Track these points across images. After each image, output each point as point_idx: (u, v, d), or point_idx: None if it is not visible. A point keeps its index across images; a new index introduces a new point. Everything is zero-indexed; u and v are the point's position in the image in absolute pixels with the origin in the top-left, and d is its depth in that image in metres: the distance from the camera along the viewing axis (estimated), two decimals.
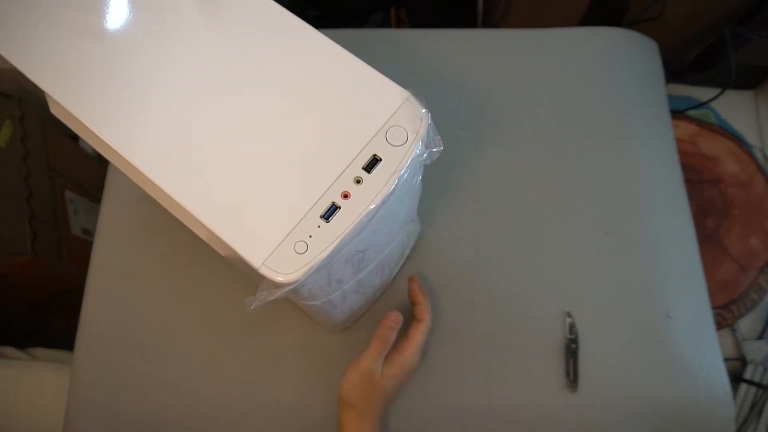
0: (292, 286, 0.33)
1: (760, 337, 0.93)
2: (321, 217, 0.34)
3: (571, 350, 0.58)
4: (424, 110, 0.37)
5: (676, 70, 1.00)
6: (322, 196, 0.34)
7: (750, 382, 0.90)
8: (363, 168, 0.35)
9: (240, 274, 0.62)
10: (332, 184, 0.35)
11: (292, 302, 0.58)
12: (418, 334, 0.51)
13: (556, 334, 0.60)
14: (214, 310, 0.61)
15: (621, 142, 0.69)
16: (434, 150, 0.37)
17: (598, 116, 0.70)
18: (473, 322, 0.60)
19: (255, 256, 0.33)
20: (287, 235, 0.33)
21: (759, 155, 1.03)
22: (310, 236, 0.33)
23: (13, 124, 0.90)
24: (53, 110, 0.40)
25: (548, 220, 0.64)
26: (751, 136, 1.05)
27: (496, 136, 0.68)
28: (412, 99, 0.37)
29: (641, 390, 0.58)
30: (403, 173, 0.35)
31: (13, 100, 0.93)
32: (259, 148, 0.36)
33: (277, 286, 0.33)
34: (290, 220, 0.34)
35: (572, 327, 0.59)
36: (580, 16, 0.87)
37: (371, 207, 0.34)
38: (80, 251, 0.96)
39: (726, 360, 0.77)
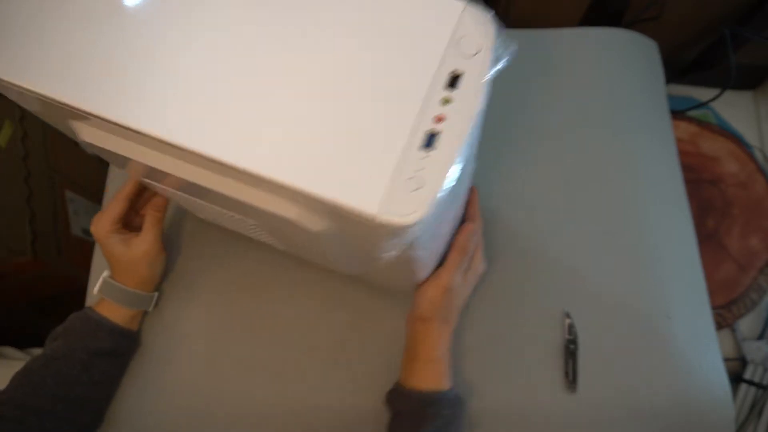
0: (418, 227, 0.30)
1: (760, 337, 0.93)
2: (421, 148, 0.31)
3: (570, 351, 0.58)
4: (487, 13, 0.34)
5: (676, 70, 1.00)
6: (412, 127, 0.31)
7: (750, 382, 0.90)
8: (446, 87, 0.32)
9: (243, 272, 0.62)
10: (418, 112, 0.32)
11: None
12: (479, 236, 0.54)
13: (555, 334, 0.60)
14: (216, 308, 0.61)
15: (621, 142, 0.69)
16: (507, 51, 0.35)
17: (598, 116, 0.70)
18: (472, 323, 0.60)
19: (368, 206, 0.30)
20: (392, 176, 0.30)
21: (759, 155, 1.03)
22: (419, 170, 0.30)
23: (13, 125, 0.90)
24: (86, 137, 0.37)
25: (547, 219, 0.64)
26: (750, 136, 1.05)
27: (494, 137, 0.68)
28: (471, 5, 0.34)
29: (641, 391, 0.58)
30: (489, 81, 0.33)
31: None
32: (326, 92, 0.33)
33: (397, 233, 0.31)
34: (387, 161, 0.31)
35: (571, 327, 0.59)
36: (580, 16, 0.87)
37: (474, 119, 0.32)
38: (80, 251, 0.96)
39: (726, 360, 0.77)
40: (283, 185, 0.31)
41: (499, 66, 0.34)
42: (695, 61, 0.98)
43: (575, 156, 0.68)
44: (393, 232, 0.31)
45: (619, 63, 0.74)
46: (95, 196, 1.06)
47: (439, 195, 0.30)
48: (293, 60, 0.33)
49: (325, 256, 0.48)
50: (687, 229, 0.66)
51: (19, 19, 0.35)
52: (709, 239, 0.96)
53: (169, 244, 0.61)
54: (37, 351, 0.89)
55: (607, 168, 0.67)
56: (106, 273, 0.55)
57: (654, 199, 0.66)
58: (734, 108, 1.06)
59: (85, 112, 0.33)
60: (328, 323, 0.60)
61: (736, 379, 0.91)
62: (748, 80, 1.06)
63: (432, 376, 0.50)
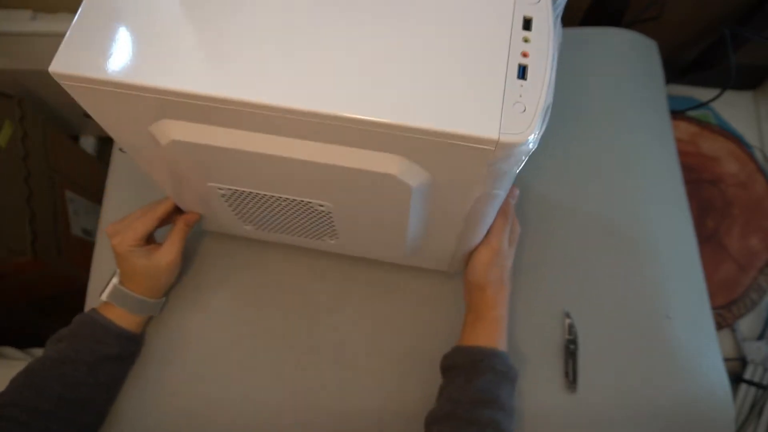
0: (531, 141, 0.35)
1: (760, 337, 0.93)
2: (518, 78, 0.36)
3: (570, 351, 0.58)
4: None
5: (676, 70, 1.01)
6: (506, 63, 0.36)
7: (750, 382, 0.90)
8: (523, 29, 0.38)
9: (244, 274, 0.62)
10: (508, 50, 0.37)
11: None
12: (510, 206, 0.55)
13: (555, 334, 0.60)
14: (217, 309, 0.61)
15: (621, 142, 0.69)
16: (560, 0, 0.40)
17: (598, 116, 0.70)
18: None
19: (489, 131, 0.34)
20: (502, 104, 0.35)
21: (759, 155, 1.03)
22: (521, 96, 0.36)
23: (13, 125, 0.90)
24: (178, 136, 0.39)
25: (547, 219, 0.64)
26: (750, 137, 1.05)
27: None
28: None
29: (641, 390, 0.58)
30: (557, 20, 0.39)
31: (13, 100, 0.93)
32: (424, 42, 0.37)
33: (513, 153, 0.36)
34: (495, 92, 0.35)
35: (571, 327, 0.59)
36: (580, 16, 0.87)
37: (551, 52, 0.37)
38: (80, 251, 0.96)
39: (726, 360, 0.77)
40: (407, 127, 0.35)
41: (559, 10, 0.40)
42: (695, 61, 0.99)
43: (575, 156, 0.68)
44: (510, 151, 0.35)
45: (619, 63, 0.74)
46: (95, 196, 1.06)
47: (540, 114, 0.36)
48: (391, 20, 0.38)
49: (385, 231, 0.51)
50: (687, 229, 0.66)
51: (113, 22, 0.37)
52: (709, 239, 0.96)
53: None
54: (37, 351, 0.89)
55: (607, 168, 0.67)
56: (115, 279, 0.54)
57: (654, 199, 0.67)
58: (734, 108, 1.06)
59: (209, 98, 0.35)
60: (328, 324, 0.60)
61: (736, 379, 0.91)
62: (748, 80, 1.06)
63: (489, 334, 0.52)
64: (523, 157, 0.38)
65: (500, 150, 0.35)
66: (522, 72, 0.36)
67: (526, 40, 0.37)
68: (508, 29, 0.38)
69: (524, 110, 0.35)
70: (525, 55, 0.37)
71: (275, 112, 0.35)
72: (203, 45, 0.36)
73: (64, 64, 0.35)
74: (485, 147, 0.35)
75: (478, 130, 0.34)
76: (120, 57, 0.35)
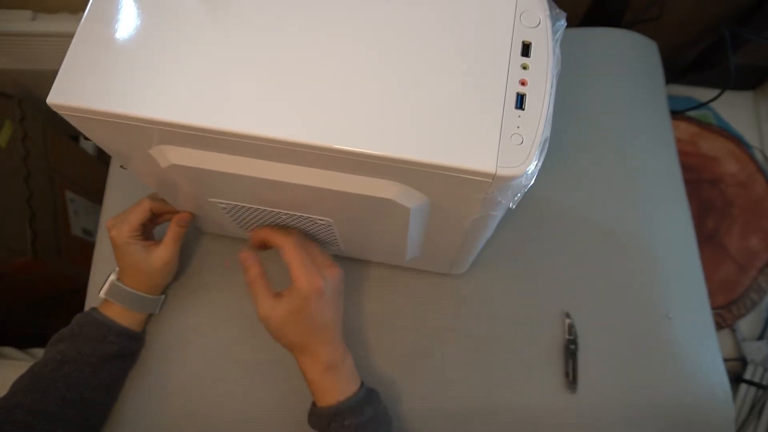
0: (527, 174, 0.35)
1: (760, 337, 0.93)
2: (515, 108, 0.36)
3: (571, 351, 0.58)
4: None
5: (676, 71, 1.01)
6: (504, 92, 0.36)
7: (750, 383, 0.90)
8: (521, 55, 0.37)
9: None
10: (506, 79, 0.36)
11: None
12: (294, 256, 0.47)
13: (555, 334, 0.60)
14: (217, 309, 0.61)
15: (620, 143, 0.69)
16: (560, 21, 0.39)
17: (598, 116, 0.70)
18: (473, 322, 0.60)
19: (486, 165, 0.34)
20: (500, 136, 0.35)
21: (759, 155, 1.03)
22: (518, 127, 0.35)
23: (13, 125, 0.90)
24: (176, 160, 0.38)
25: (546, 219, 0.64)
26: (750, 137, 1.05)
27: None
28: None
29: (641, 391, 0.58)
30: (556, 45, 0.38)
31: (13, 101, 0.93)
32: (422, 71, 0.36)
33: (510, 185, 0.35)
34: (493, 123, 0.35)
35: (571, 327, 0.59)
36: (580, 16, 0.87)
37: (552, 80, 0.37)
38: (80, 251, 0.96)
39: (726, 360, 0.77)
40: (403, 160, 0.34)
41: (559, 33, 0.39)
42: (695, 62, 0.99)
43: (574, 156, 0.68)
44: (507, 183, 0.35)
45: (619, 63, 0.74)
46: (95, 196, 1.06)
47: (537, 147, 0.35)
48: (388, 49, 0.37)
49: (385, 242, 0.51)
50: (687, 229, 0.66)
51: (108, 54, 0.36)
52: (709, 239, 0.96)
53: None
54: (37, 351, 0.89)
55: (606, 168, 0.67)
56: (113, 276, 0.54)
57: (654, 199, 0.67)
58: (734, 108, 1.06)
59: (202, 129, 0.35)
60: None
61: (736, 379, 0.91)
62: (747, 80, 1.06)
63: (325, 392, 0.48)
64: (522, 188, 0.37)
65: (497, 182, 0.35)
66: (520, 102, 0.36)
67: (524, 67, 0.37)
68: (507, 55, 0.37)
69: (522, 142, 0.35)
70: (523, 83, 0.36)
71: (271, 143, 0.35)
72: (198, 74, 0.36)
73: (60, 95, 0.35)
74: (482, 179, 0.35)
75: (476, 163, 0.34)
76: (115, 87, 0.35)
